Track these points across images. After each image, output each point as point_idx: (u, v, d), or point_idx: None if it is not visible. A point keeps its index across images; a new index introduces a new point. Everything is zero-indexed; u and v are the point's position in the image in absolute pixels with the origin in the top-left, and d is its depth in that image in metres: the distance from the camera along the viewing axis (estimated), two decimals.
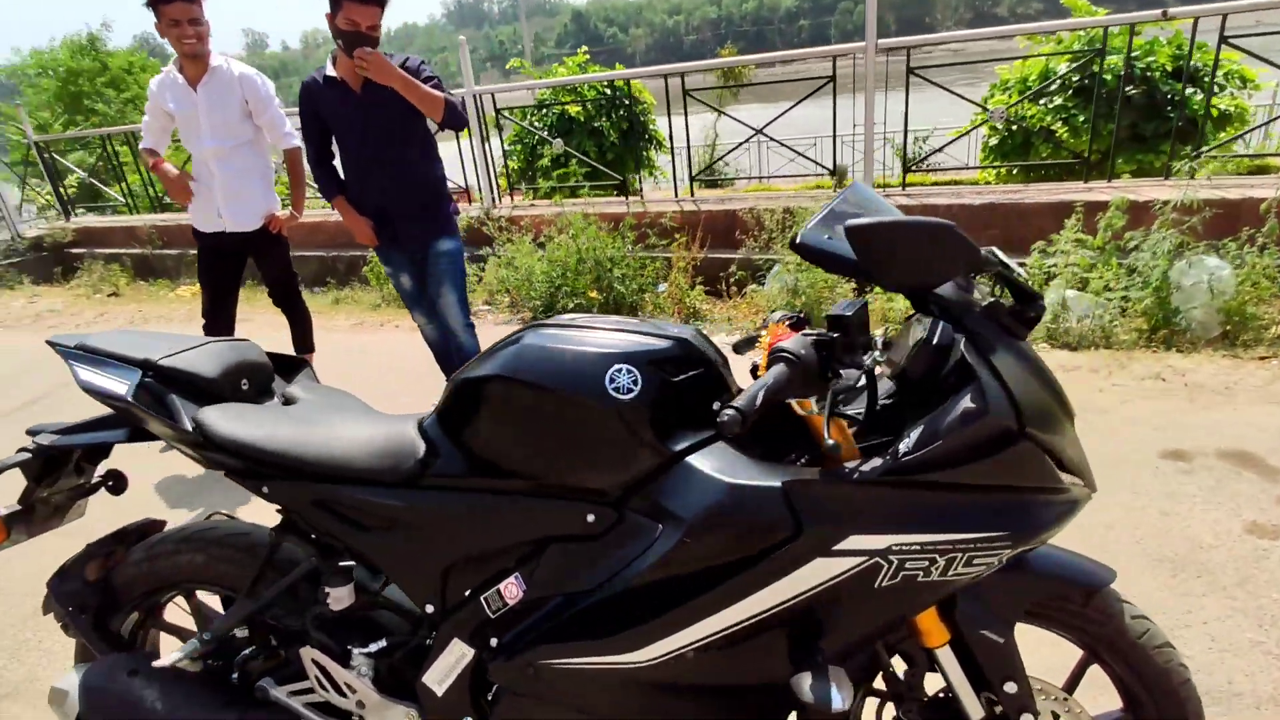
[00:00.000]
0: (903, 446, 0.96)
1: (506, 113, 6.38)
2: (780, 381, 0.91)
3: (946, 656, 1.11)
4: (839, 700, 0.96)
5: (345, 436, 1.25)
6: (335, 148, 2.94)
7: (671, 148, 6.11)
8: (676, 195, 5.66)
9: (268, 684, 1.32)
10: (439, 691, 1.23)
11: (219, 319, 3.44)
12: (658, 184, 7.91)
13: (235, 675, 1.36)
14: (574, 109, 7.10)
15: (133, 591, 1.43)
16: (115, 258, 7.15)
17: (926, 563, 0.97)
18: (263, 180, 3.38)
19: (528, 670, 1.12)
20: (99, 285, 6.81)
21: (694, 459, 1.05)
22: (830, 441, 0.92)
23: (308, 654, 1.29)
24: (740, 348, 1.24)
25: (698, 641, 1.04)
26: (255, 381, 1.43)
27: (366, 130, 2.79)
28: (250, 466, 1.25)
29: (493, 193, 6.04)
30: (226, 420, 1.25)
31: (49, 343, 1.41)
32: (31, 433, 1.39)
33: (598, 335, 1.11)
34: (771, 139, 5.46)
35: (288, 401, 1.44)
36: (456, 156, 6.24)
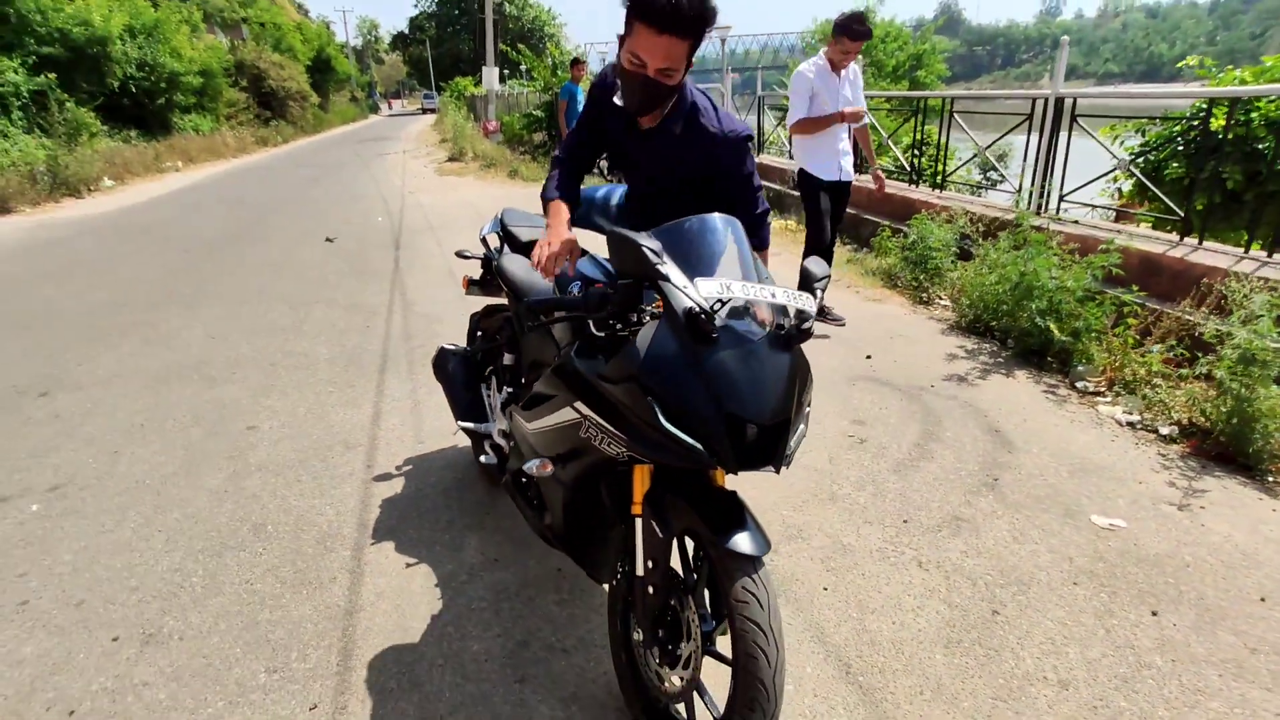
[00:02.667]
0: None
1: (1082, 120, 5.79)
2: (576, 301, 1.65)
3: (639, 525, 1.68)
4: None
5: (537, 286, 2.43)
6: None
7: None
8: (1247, 251, 4.48)
9: (484, 386, 2.75)
10: (511, 421, 2.39)
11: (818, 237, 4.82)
12: None
13: (483, 376, 2.84)
14: (1216, 123, 5.80)
15: (485, 328, 3.00)
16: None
17: (594, 433, 1.61)
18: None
19: (511, 412, 2.19)
20: None
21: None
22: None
23: (493, 378, 2.62)
24: None
25: (543, 428, 1.91)
26: None
27: (650, 182, 2.19)
28: (508, 289, 2.56)
29: (1042, 196, 5.82)
30: (508, 262, 2.59)
31: (504, 210, 2.98)
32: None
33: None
34: None
35: None
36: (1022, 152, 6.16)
